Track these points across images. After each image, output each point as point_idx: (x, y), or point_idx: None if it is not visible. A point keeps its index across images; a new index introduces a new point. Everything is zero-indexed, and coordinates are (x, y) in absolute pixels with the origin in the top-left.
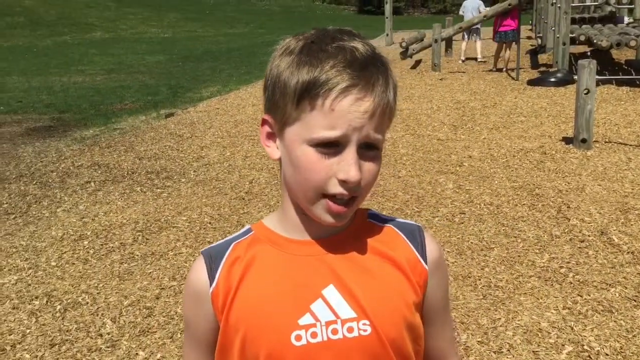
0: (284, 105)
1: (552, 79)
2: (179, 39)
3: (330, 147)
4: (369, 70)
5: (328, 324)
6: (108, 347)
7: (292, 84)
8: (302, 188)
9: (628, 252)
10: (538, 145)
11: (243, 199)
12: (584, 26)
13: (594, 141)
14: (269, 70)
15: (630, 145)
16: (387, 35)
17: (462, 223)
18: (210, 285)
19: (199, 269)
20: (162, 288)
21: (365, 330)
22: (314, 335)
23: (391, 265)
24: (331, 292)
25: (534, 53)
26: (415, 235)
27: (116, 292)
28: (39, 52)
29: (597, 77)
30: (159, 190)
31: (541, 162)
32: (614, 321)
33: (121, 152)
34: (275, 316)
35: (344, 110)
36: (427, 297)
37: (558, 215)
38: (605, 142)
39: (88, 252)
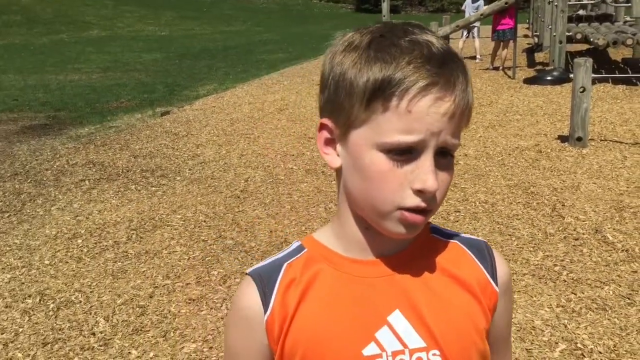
0: (350, 106)
1: (549, 78)
2: (175, 37)
3: (404, 153)
4: (449, 67)
5: (395, 354)
6: (101, 346)
7: (361, 82)
8: (372, 200)
9: (622, 250)
10: (534, 143)
11: (238, 197)
12: (580, 24)
13: (590, 139)
14: (330, 68)
15: (626, 143)
16: None
17: (457, 221)
18: (265, 312)
19: (250, 293)
20: (156, 287)
21: None
22: None
23: (459, 286)
24: (397, 319)
25: (530, 51)
26: (483, 253)
27: (109, 291)
28: (35, 50)
29: (593, 75)
30: (153, 188)
31: (536, 161)
32: (608, 319)
33: (116, 150)
34: (337, 346)
35: (422, 112)
36: (494, 322)
37: (553, 213)
38: (601, 140)
39: (82, 250)
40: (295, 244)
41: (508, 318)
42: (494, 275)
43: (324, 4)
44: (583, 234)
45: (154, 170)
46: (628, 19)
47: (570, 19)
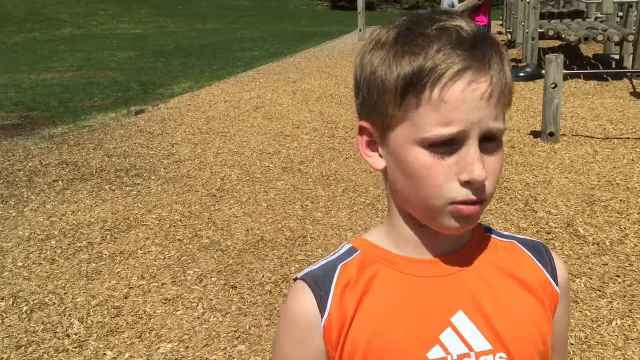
0: (385, 106)
1: (521, 74)
2: (150, 35)
3: (445, 145)
4: (481, 48)
5: (460, 357)
6: (75, 348)
7: (392, 79)
8: (422, 197)
9: (593, 243)
10: (506, 139)
11: (214, 195)
12: (552, 21)
13: (562, 134)
14: (360, 69)
15: (597, 138)
16: (360, 30)
17: None
18: (322, 316)
19: (305, 297)
20: (131, 287)
21: None
22: None
23: (522, 288)
24: (461, 320)
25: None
26: (542, 253)
27: (84, 292)
28: (7, 49)
29: (565, 71)
30: (128, 188)
31: (509, 156)
32: (579, 311)
33: (90, 149)
34: (400, 350)
35: (457, 98)
36: (554, 325)
37: (525, 207)
38: (573, 135)
39: (55, 251)
40: (345, 246)
41: (566, 322)
42: (554, 276)
43: (300, 0)
44: (555, 227)
45: (129, 170)
46: (599, 15)
47: (542, 16)
